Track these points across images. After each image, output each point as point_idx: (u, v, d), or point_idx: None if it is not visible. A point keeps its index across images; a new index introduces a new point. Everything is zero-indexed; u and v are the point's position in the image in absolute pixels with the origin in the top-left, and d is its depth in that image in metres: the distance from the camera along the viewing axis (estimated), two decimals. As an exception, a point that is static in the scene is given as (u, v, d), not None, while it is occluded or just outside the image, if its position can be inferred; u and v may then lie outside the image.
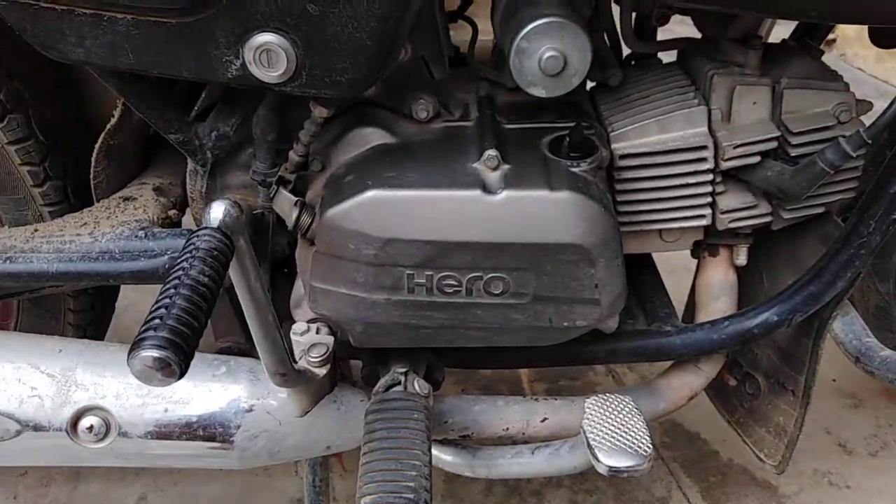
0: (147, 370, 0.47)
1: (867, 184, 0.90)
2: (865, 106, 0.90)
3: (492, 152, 0.80)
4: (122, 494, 1.28)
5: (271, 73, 0.75)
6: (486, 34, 0.98)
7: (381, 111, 0.89)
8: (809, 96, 0.88)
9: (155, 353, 0.47)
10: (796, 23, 0.98)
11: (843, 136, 0.84)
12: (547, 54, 0.78)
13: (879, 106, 0.84)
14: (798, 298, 0.93)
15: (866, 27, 0.91)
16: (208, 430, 0.87)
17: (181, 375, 0.48)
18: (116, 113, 0.94)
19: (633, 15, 0.93)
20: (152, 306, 0.50)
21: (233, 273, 0.64)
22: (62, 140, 1.02)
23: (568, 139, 0.82)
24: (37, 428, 0.86)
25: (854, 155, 0.83)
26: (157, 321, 0.48)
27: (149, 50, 0.75)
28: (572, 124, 0.83)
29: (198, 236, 0.57)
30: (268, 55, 0.74)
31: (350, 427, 0.90)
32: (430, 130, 0.88)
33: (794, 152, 0.88)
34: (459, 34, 1.01)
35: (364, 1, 0.71)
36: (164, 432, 0.87)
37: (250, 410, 0.87)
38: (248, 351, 0.99)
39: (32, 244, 0.91)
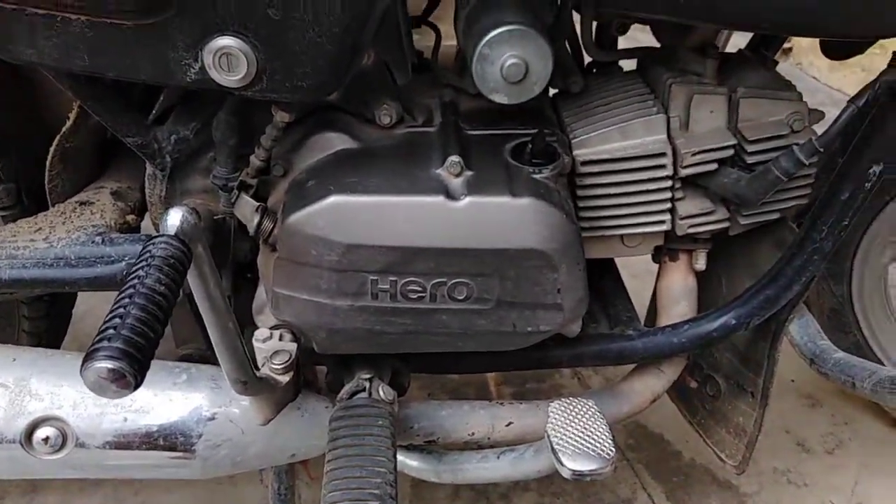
0: (101, 382, 0.46)
1: (820, 190, 0.93)
2: (818, 115, 0.92)
3: (455, 158, 0.80)
4: (81, 506, 1.25)
5: (231, 78, 0.74)
6: (450, 39, 0.98)
7: (343, 116, 0.89)
8: (764, 105, 0.90)
9: (109, 364, 0.46)
10: (752, 34, 1.01)
11: (797, 145, 0.86)
12: (509, 62, 0.78)
13: (833, 114, 0.87)
14: (755, 302, 0.95)
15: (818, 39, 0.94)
16: (169, 440, 0.85)
17: (136, 386, 0.47)
18: (72, 115, 0.92)
19: (594, 24, 0.94)
20: (106, 316, 0.49)
21: (191, 280, 0.63)
22: (15, 142, 0.99)
23: (530, 146, 0.83)
24: (-12, 440, 0.83)
25: (807, 162, 0.86)
26: (110, 331, 0.47)
27: (104, 52, 0.74)
28: (535, 131, 0.84)
29: (154, 244, 0.56)
30: (227, 59, 0.73)
31: (315, 434, 0.89)
32: (394, 136, 0.88)
33: (749, 160, 0.90)
34: (423, 39, 1.01)
35: (326, 5, 0.71)
36: (123, 442, 0.85)
37: (212, 419, 0.86)
38: (209, 358, 0.97)
39: (-16, 250, 0.89)
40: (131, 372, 0.46)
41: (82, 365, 0.47)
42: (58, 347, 1.20)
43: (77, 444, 0.85)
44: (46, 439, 0.84)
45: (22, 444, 0.84)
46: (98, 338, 0.47)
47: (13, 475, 0.89)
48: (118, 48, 0.73)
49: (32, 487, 1.27)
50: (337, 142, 0.87)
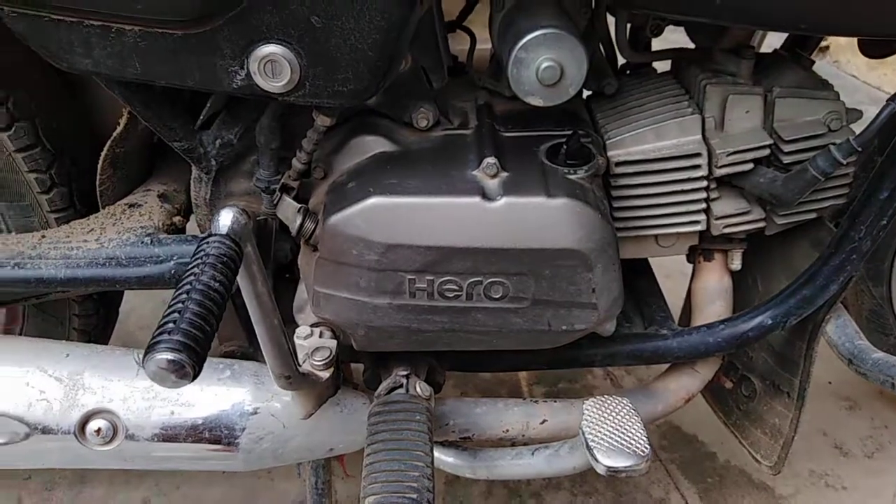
0: (162, 372, 0.49)
1: (858, 190, 0.92)
2: (855, 114, 0.92)
3: (491, 160, 0.81)
4: (126, 498, 1.29)
5: (275, 84, 0.77)
6: (484, 43, 1.00)
7: (382, 120, 0.91)
8: (801, 105, 0.90)
9: (169, 356, 0.48)
10: (787, 34, 1.01)
11: (834, 144, 0.86)
12: (544, 65, 0.80)
13: (871, 112, 0.86)
14: (792, 302, 0.94)
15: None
16: (214, 433, 0.88)
17: (195, 377, 0.50)
18: (122, 121, 0.96)
19: (628, 26, 0.95)
20: (165, 311, 0.52)
21: (240, 278, 0.66)
22: (68, 147, 1.03)
23: (565, 147, 0.84)
24: (45, 431, 0.87)
25: (844, 162, 0.85)
26: (170, 325, 0.49)
27: (156, 60, 0.77)
28: (569, 132, 0.85)
29: (207, 243, 0.58)
30: (272, 66, 0.76)
31: (353, 429, 0.91)
32: (431, 138, 0.90)
33: (786, 159, 0.90)
34: (458, 43, 1.03)
35: (366, 13, 0.73)
36: (170, 435, 0.88)
37: (255, 413, 0.89)
38: (251, 355, 1.01)
39: (40, 250, 0.93)
40: (190, 363, 0.49)
41: (144, 356, 0.49)
42: (106, 344, 1.24)
43: (127, 436, 0.88)
44: (98, 431, 0.88)
45: (76, 435, 0.88)
46: (158, 331, 0.50)
47: (67, 465, 0.93)
48: (169, 57, 0.77)
49: (80, 480, 1.31)
50: (375, 145, 0.89)
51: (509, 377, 1.52)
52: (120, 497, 1.29)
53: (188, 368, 0.49)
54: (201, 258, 0.55)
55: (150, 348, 0.49)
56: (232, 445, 0.89)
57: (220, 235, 0.59)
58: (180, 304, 0.51)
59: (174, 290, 0.53)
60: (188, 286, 0.52)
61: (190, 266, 0.55)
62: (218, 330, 0.56)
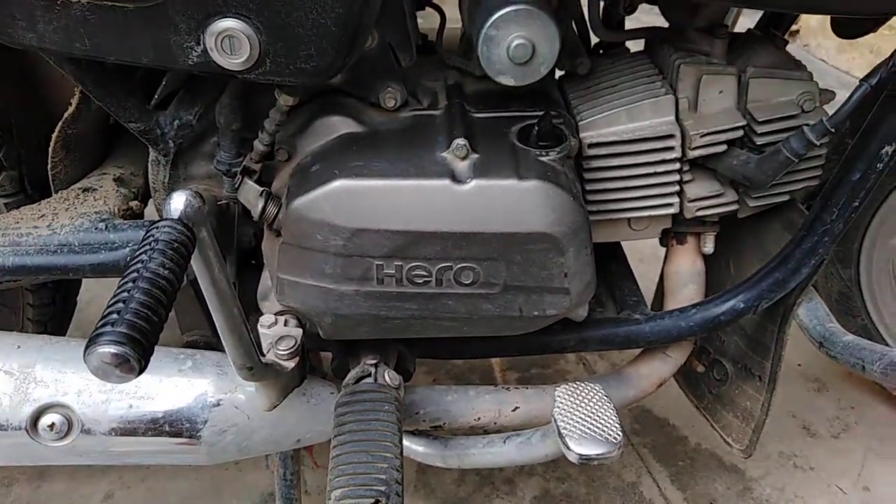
0: (105, 366, 0.46)
1: (830, 172, 0.92)
2: (828, 95, 0.91)
3: (461, 141, 0.79)
4: (88, 492, 1.25)
5: (234, 60, 0.73)
6: (454, 21, 0.97)
7: (348, 99, 0.88)
8: (774, 85, 0.89)
9: (112, 349, 0.45)
10: (761, 12, 0.99)
11: (807, 125, 0.85)
12: (515, 42, 0.77)
13: (842, 96, 0.86)
14: (764, 285, 0.94)
15: (829, 18, 0.93)
16: (175, 426, 0.85)
17: (141, 371, 0.47)
18: (74, 101, 0.92)
19: (601, 4, 0.93)
20: (109, 301, 0.48)
21: (195, 265, 0.63)
22: (17, 129, 0.99)
23: (537, 128, 0.82)
24: (-6, 427, 0.83)
25: (818, 143, 0.84)
26: (114, 316, 0.46)
27: (105, 35, 0.73)
28: (541, 113, 0.83)
29: (157, 228, 0.55)
30: (230, 41, 0.72)
31: (320, 420, 0.89)
32: (398, 119, 0.87)
33: (759, 141, 0.89)
34: (427, 22, 1.00)
35: (328, -14, 0.70)
36: (128, 429, 0.85)
37: (218, 405, 0.86)
38: (214, 344, 0.97)
39: (-13, 237, 0.88)
40: (135, 356, 0.46)
41: (86, 349, 0.46)
42: (63, 335, 1.20)
43: (83, 431, 0.85)
44: (52, 426, 0.84)
45: (27, 431, 0.84)
46: (101, 322, 0.47)
47: (19, 462, 0.89)
48: (119, 32, 0.72)
49: (39, 474, 1.27)
50: (341, 125, 0.86)
51: (482, 362, 1.51)
52: (82, 491, 1.25)
53: (133, 362, 0.46)
54: (149, 244, 0.52)
55: (92, 341, 0.46)
56: (194, 438, 0.86)
57: (171, 220, 0.56)
58: (125, 294, 0.48)
59: (120, 279, 0.50)
60: (134, 274, 0.49)
61: (137, 253, 0.52)
62: (173, 318, 0.53)
